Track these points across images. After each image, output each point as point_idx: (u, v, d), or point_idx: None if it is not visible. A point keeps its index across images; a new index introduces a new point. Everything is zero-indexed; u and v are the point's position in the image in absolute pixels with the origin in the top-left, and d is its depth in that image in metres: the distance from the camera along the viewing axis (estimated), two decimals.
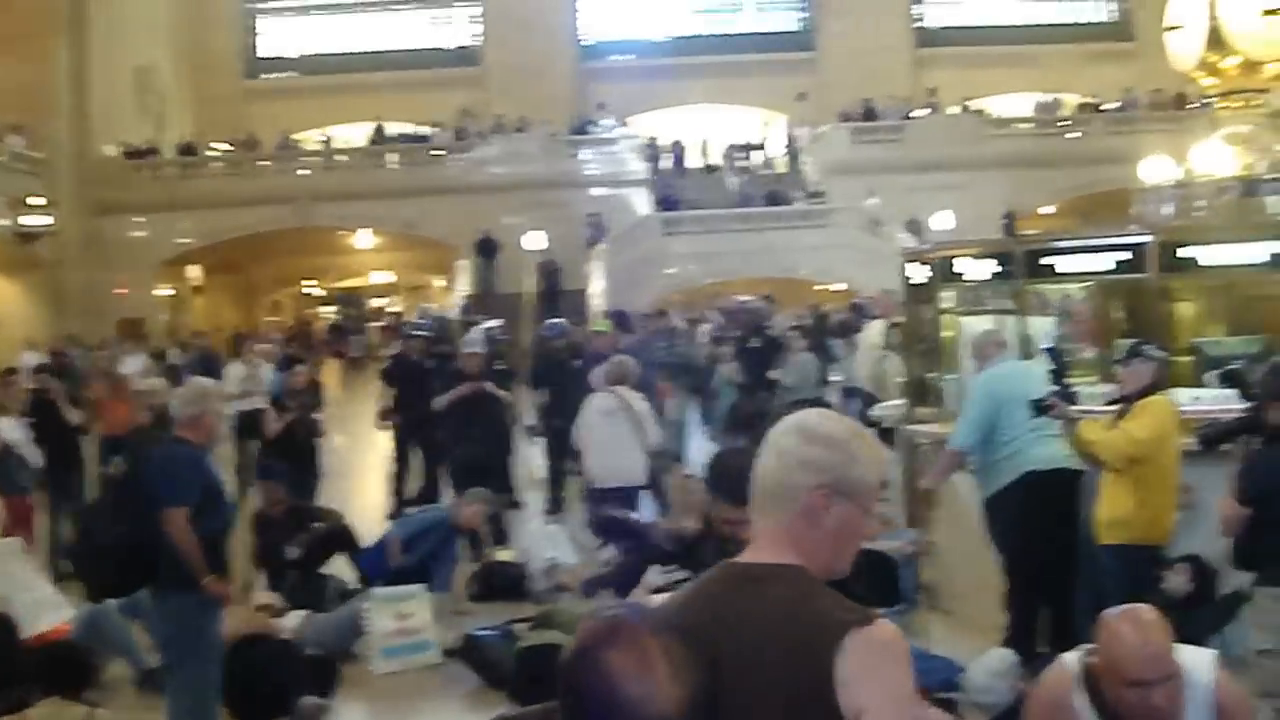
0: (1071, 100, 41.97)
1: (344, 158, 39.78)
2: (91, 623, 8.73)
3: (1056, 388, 7.97)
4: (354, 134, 42.12)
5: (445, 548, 10.42)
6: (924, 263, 10.57)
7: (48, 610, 9.25)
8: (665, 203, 36.81)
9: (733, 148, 41.24)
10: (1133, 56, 42.96)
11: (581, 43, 45.60)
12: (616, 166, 38.15)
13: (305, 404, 13.80)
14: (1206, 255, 9.00)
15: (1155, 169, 11.18)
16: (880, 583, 9.00)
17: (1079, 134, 39.11)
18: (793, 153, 40.69)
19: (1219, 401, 8.43)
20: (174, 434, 7.19)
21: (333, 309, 46.33)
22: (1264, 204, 10.09)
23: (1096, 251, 9.49)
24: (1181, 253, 9.05)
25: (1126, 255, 9.18)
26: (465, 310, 30.41)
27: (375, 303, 45.59)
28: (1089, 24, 46.09)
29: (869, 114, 39.42)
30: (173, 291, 38.87)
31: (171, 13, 42.46)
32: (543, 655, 7.97)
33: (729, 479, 4.36)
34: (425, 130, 41.04)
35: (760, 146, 41.98)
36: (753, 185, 38.16)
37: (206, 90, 43.45)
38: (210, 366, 17.99)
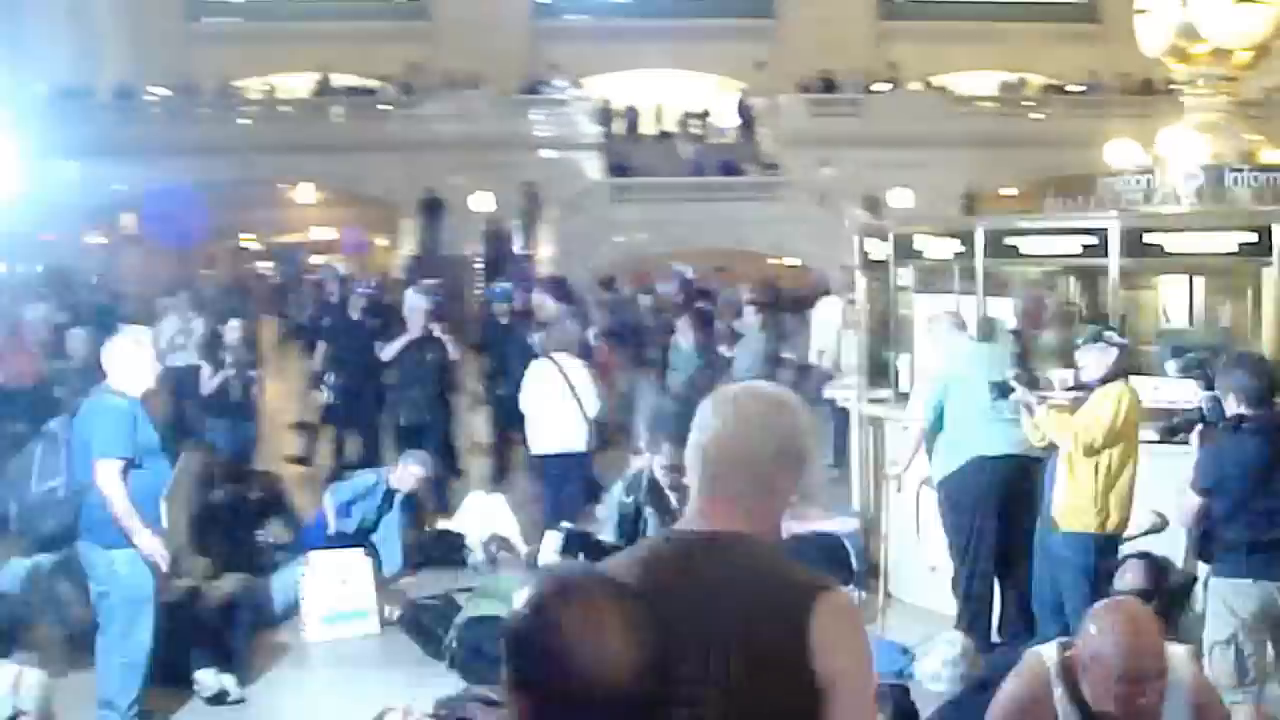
0: (1035, 81, 42.18)
1: (287, 108, 39.39)
2: (19, 579, 8.59)
3: (1018, 371, 8.01)
4: (298, 84, 41.62)
5: (385, 512, 10.38)
6: (883, 239, 10.57)
7: None
8: (617, 168, 36.73)
9: (688, 115, 41.14)
10: (1099, 38, 43.00)
11: (537, 0, 45.30)
12: (568, 129, 37.94)
13: (241, 360, 13.65)
14: (1172, 242, 9.06)
15: (1121, 153, 11.19)
16: (831, 564, 9.04)
17: (1042, 115, 39.25)
18: (748, 122, 40.62)
19: (1180, 392, 8.48)
20: (105, 384, 7.06)
21: (270, 264, 45.82)
22: (1231, 192, 10.15)
23: (1060, 234, 9.55)
24: (1147, 239, 9.11)
25: (1091, 239, 9.22)
26: (409, 271, 30.18)
27: (314, 259, 45.13)
28: (1056, 3, 45.95)
29: (828, 86, 39.44)
30: (105, 240, 38.32)
31: None
32: (485, 626, 8.00)
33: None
34: (373, 84, 40.71)
35: (711, 115, 41.89)
36: (706, 154, 38.12)
37: (145, 32, 42.40)
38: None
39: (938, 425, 8.54)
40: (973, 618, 8.48)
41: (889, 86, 39.87)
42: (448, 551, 10.83)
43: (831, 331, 14.71)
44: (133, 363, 7.02)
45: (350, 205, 41.00)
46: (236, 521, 10.51)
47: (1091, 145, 36.43)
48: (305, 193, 40.23)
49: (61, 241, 35.51)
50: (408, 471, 10.68)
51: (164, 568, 7.06)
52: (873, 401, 10.61)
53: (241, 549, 10.29)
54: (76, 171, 36.28)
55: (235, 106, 39.37)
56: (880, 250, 10.62)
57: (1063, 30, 43.96)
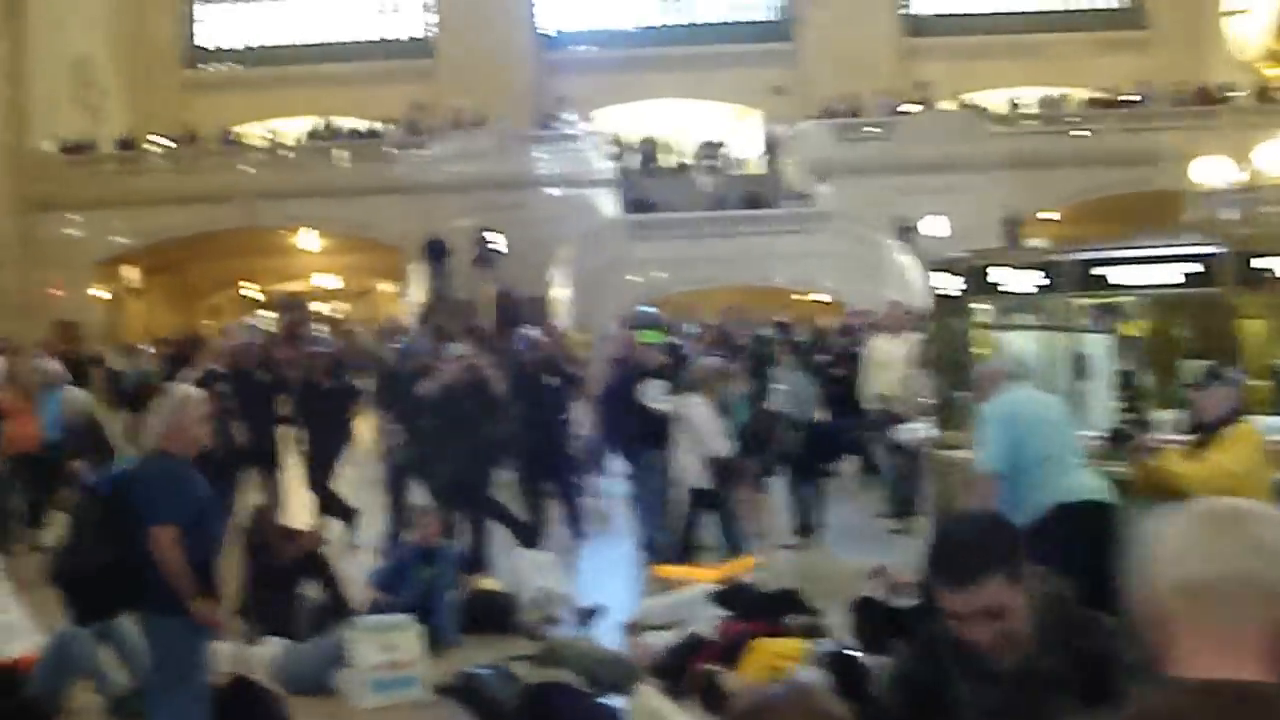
0: (1078, 95, 41.17)
1: (289, 154, 39.13)
2: (61, 648, 8.34)
3: (1131, 415, 7.44)
4: (300, 129, 41.38)
5: (438, 576, 9.95)
6: (956, 272, 9.96)
7: (18, 636, 9.04)
8: (633, 204, 36.20)
9: (705, 145, 40.63)
10: (1146, 45, 42.24)
11: (541, 33, 44.84)
12: (579, 165, 37.29)
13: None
14: None
15: (1211, 170, 10.56)
16: None
17: (1088, 132, 38.32)
18: (771, 152, 40.09)
19: None
20: (156, 447, 6.84)
21: (272, 313, 45.47)
22: None
23: (1155, 263, 8.93)
24: (1256, 264, 8.48)
25: (1193, 267, 8.61)
26: (423, 318, 29.61)
27: (318, 307, 44.74)
28: (1096, 10, 44.65)
29: (854, 110, 38.83)
30: (109, 294, 38.22)
31: (108, 1, 41.65)
32: (549, 694, 7.77)
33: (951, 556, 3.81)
34: (376, 126, 40.43)
35: (729, 145, 41.42)
36: (727, 186, 37.59)
37: (145, 82, 42.66)
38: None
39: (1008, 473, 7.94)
40: None
41: (919, 107, 39.18)
42: (495, 613, 10.34)
43: (896, 371, 14.13)
44: (180, 421, 6.74)
45: (356, 251, 40.60)
46: (277, 582, 10.12)
47: (1146, 161, 36.10)
48: (309, 239, 39.84)
49: (68, 295, 35.75)
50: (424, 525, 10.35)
51: (222, 636, 7.17)
52: (946, 447, 10.00)
53: (282, 611, 9.98)
54: (80, 225, 36.76)
55: (237, 154, 39.13)
56: (953, 284, 10.02)
57: (1104, 39, 42.93)
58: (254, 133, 41.76)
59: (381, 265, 40.38)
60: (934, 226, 34.68)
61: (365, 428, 15.82)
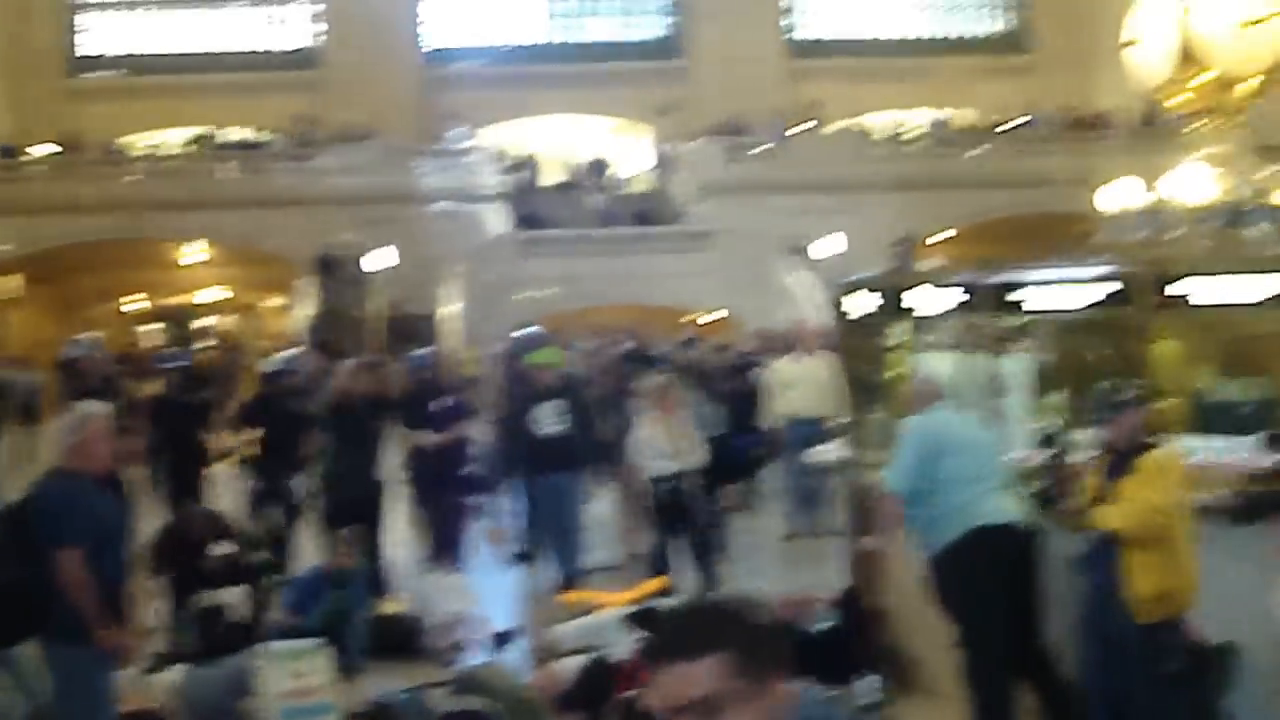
0: (966, 118, 41.77)
1: (175, 165, 38.38)
2: None
3: (1049, 437, 7.42)
4: (185, 139, 40.55)
5: (349, 598, 9.63)
6: (870, 292, 9.90)
7: None
8: (523, 221, 35.96)
9: (594, 163, 40.52)
10: (1031, 71, 43.04)
11: (428, 48, 44.47)
12: (469, 181, 37.10)
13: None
14: (1204, 290, 8.44)
15: (1121, 193, 10.65)
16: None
17: (979, 152, 38.87)
18: (660, 170, 40.09)
19: (1224, 453, 7.90)
20: (58, 465, 6.55)
21: (157, 327, 44.57)
22: (1248, 235, 9.63)
23: (1071, 284, 8.91)
24: (1169, 286, 8.48)
25: (1108, 289, 8.60)
26: (312, 333, 29.10)
27: (203, 321, 43.91)
28: (982, 36, 45.57)
29: (742, 129, 38.97)
30: None
31: None
32: None
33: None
34: (262, 138, 39.81)
35: (618, 163, 41.39)
36: (617, 205, 37.49)
37: (26, 89, 41.63)
38: None
39: (926, 498, 7.85)
40: (989, 712, 7.75)
41: (809, 128, 39.43)
42: (400, 638, 10.04)
43: (801, 391, 14.10)
44: (84, 439, 6.46)
45: (245, 264, 39.87)
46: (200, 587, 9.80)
47: (1034, 185, 36.67)
48: (196, 252, 39.12)
49: None
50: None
51: (131, 664, 6.94)
52: (860, 468, 9.95)
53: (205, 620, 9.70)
54: None
55: (122, 163, 38.42)
56: (863, 305, 9.95)
57: (992, 64, 43.70)
58: (139, 142, 40.94)
59: (271, 278, 39.70)
60: (826, 247, 34.87)
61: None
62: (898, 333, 9.73)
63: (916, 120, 41.46)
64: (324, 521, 12.37)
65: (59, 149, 38.40)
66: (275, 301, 41.90)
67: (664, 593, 10.92)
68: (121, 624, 6.45)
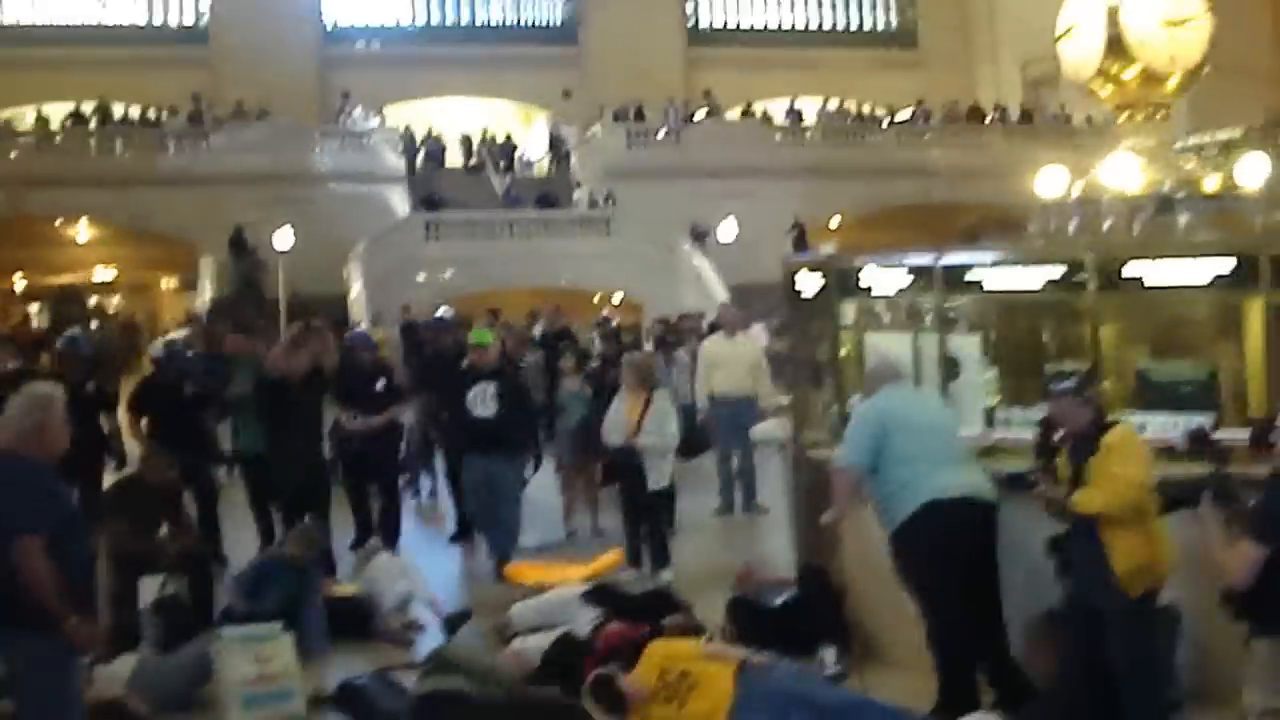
0: (857, 108, 42.64)
1: (60, 140, 37.41)
2: None
3: (1040, 462, 7.60)
4: (71, 113, 39.33)
5: (298, 587, 9.49)
6: (819, 272, 10.11)
7: None
8: (425, 202, 35.82)
9: (496, 145, 40.47)
10: (917, 65, 44.00)
11: (327, 26, 44.04)
12: (371, 161, 36.96)
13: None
14: (1151, 274, 8.76)
15: (1051, 182, 10.96)
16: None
17: (873, 142, 39.61)
18: (560, 153, 40.20)
19: (1165, 429, 8.20)
20: (12, 449, 6.10)
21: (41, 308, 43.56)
22: (1179, 222, 10.00)
23: (1020, 265, 9.20)
24: (1114, 271, 8.80)
25: (1055, 272, 8.90)
26: (223, 312, 28.71)
27: (94, 301, 42.96)
28: (870, 31, 46.62)
29: (639, 115, 39.24)
30: None
31: None
32: (444, 702, 7.39)
33: None
34: (154, 115, 39.14)
35: (520, 146, 41.38)
36: (521, 187, 37.51)
37: None
38: None
39: (881, 475, 8.05)
40: (956, 685, 7.98)
41: (705, 114, 39.81)
42: (354, 620, 9.94)
43: (730, 371, 14.33)
44: (39, 421, 6.14)
45: (135, 243, 39.05)
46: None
47: (923, 175, 37.51)
48: (85, 230, 38.29)
49: None
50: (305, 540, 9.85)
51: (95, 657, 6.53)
52: (808, 446, 10.13)
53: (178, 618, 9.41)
54: None
55: (4, 138, 37.16)
56: (813, 285, 10.15)
57: (881, 57, 44.79)
58: (20, 116, 39.59)
59: (163, 259, 39.03)
60: (726, 231, 35.29)
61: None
62: (848, 312, 9.93)
63: (810, 109, 42.07)
64: (257, 504, 12.20)
65: None
66: (169, 282, 41.31)
67: (610, 568, 11.08)
68: (85, 613, 6.07)
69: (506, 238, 34.14)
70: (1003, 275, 9.16)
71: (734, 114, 40.84)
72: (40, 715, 6.09)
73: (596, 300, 32.87)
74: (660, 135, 38.43)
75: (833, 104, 42.15)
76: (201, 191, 34.69)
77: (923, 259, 9.38)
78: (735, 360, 14.55)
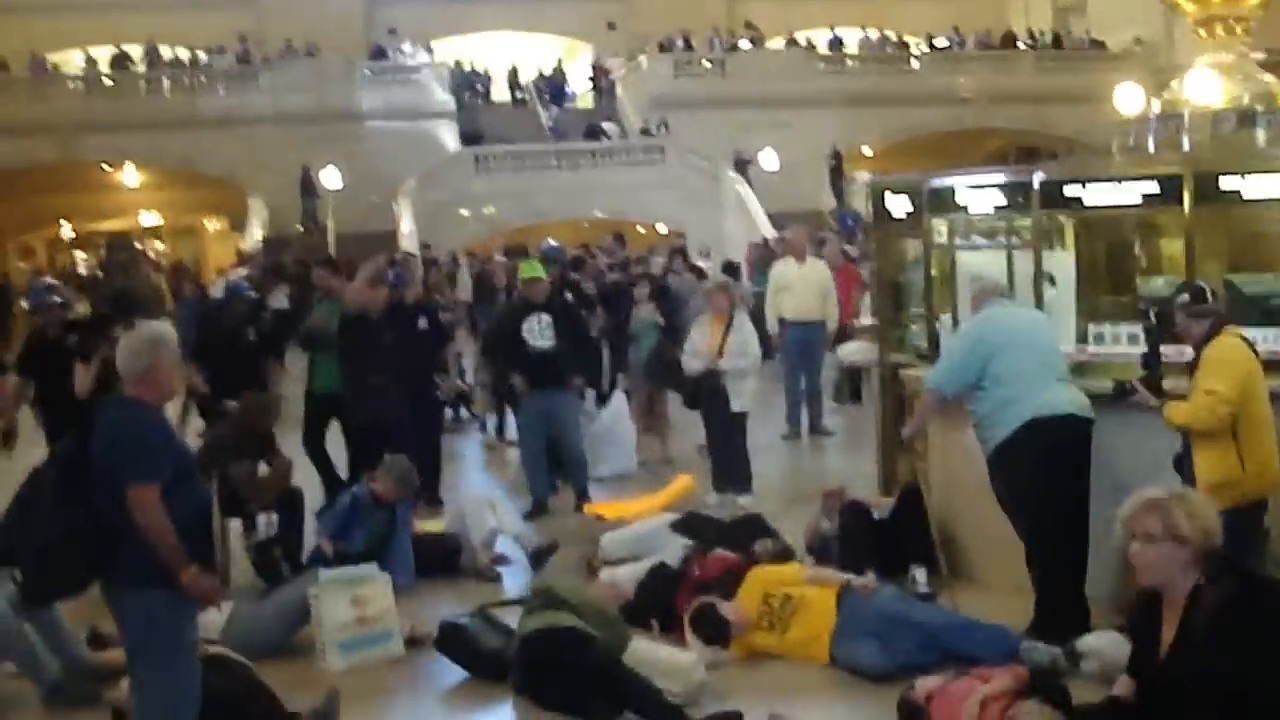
0: (894, 36, 42.17)
1: (109, 83, 37.16)
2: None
3: (1144, 371, 7.40)
4: (120, 55, 39.17)
5: (388, 525, 9.29)
6: (908, 193, 9.86)
7: None
8: (472, 137, 35.54)
9: (541, 79, 40.13)
10: None
11: None
12: (419, 97, 36.61)
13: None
14: (1248, 188, 8.51)
15: (1129, 100, 10.67)
16: None
17: (908, 71, 39.16)
18: (605, 85, 39.84)
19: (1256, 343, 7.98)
20: (124, 393, 5.75)
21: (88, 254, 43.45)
22: (1259, 136, 9.72)
23: (1118, 181, 8.94)
24: (1214, 185, 8.53)
25: (1148, 188, 8.65)
26: (269, 253, 28.54)
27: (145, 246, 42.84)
28: None
29: (687, 44, 38.88)
30: None
31: None
32: (553, 640, 7.12)
33: None
34: (201, 55, 38.85)
35: (566, 79, 41.01)
36: (567, 120, 37.18)
37: None
38: None
39: (982, 395, 7.87)
40: (1058, 601, 7.80)
41: (749, 44, 39.41)
42: (442, 558, 9.74)
43: (800, 295, 14.15)
44: (150, 364, 5.88)
45: (180, 186, 38.91)
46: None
47: (963, 100, 37.13)
48: (131, 175, 38.11)
49: None
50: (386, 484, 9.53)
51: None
52: (896, 367, 9.97)
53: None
54: None
55: (53, 83, 37.07)
56: (902, 205, 9.91)
57: None
58: (68, 60, 39.46)
59: (210, 201, 38.87)
60: (767, 160, 35.02)
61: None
62: (941, 231, 9.68)
63: (850, 38, 41.61)
64: (315, 445, 11.82)
65: None
66: (214, 224, 41.15)
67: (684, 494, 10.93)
68: (203, 563, 5.71)
69: (554, 170, 33.82)
70: (1099, 192, 8.91)
71: (776, 43, 40.30)
72: (157, 672, 5.75)
73: (643, 231, 32.67)
74: (705, 65, 37.88)
75: (874, 32, 41.61)
76: (250, 132, 34.58)
77: (1019, 176, 9.15)
78: (804, 284, 14.36)
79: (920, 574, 8.48)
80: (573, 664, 7.01)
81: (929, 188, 9.55)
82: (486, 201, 33.16)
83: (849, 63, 39.72)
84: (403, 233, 30.72)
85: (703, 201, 32.69)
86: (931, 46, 40.47)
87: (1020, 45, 40.63)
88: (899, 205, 9.93)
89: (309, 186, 32.97)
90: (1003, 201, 9.18)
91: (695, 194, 33.00)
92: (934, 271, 9.64)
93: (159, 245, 43.32)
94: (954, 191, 9.40)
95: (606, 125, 36.41)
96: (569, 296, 13.70)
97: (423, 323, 12.14)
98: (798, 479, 12.32)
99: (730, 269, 19.25)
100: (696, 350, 11.25)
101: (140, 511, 5.44)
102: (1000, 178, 9.30)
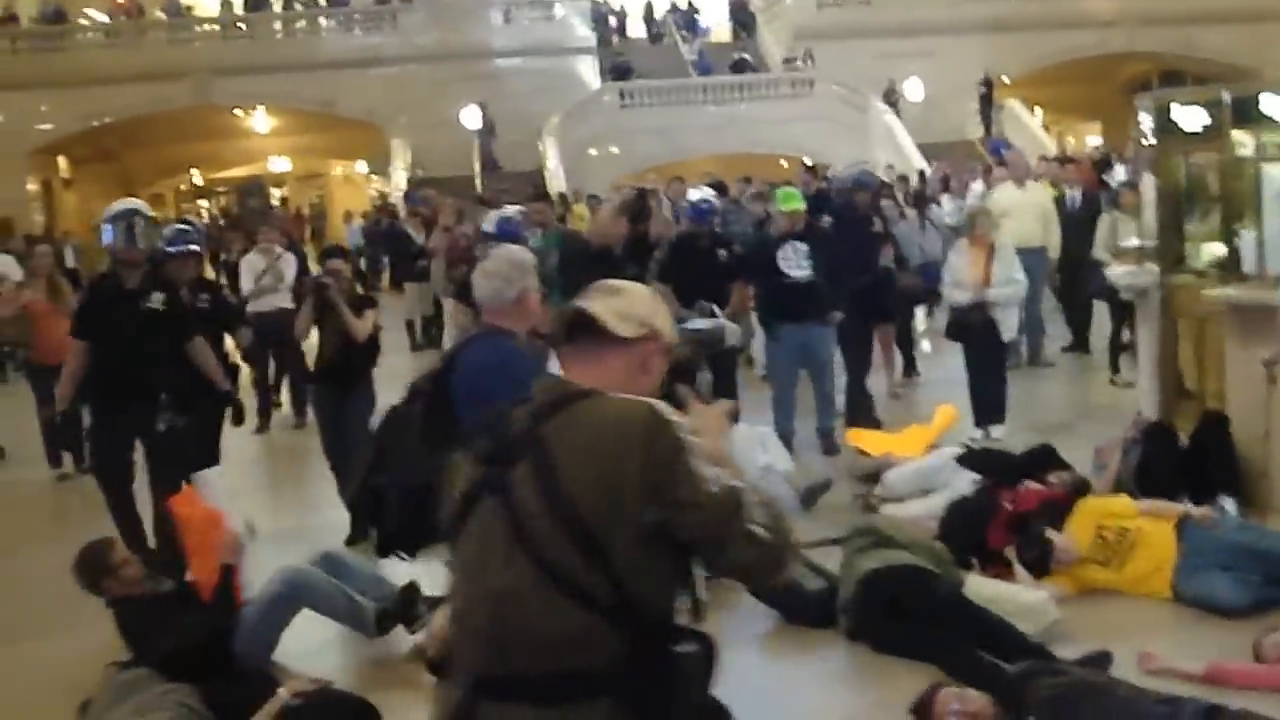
0: None
1: (245, 26, 36.81)
2: (295, 586, 6.75)
3: None
4: None
5: None
6: (1205, 104, 9.27)
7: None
8: (614, 73, 35.02)
9: (675, 11, 39.50)
10: None
11: None
12: (560, 33, 36.07)
13: None
14: None
15: None
16: None
17: None
18: (744, 18, 39.14)
19: None
20: (488, 324, 5.40)
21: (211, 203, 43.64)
22: None
23: None
24: None
25: None
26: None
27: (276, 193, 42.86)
28: None
29: None
30: (37, 186, 35.50)
31: None
32: (898, 579, 6.65)
33: None
34: None
35: (703, 13, 40.34)
36: (710, 54, 36.57)
37: None
38: None
39: None
40: None
41: None
42: None
43: (1032, 218, 13.60)
44: (519, 291, 5.45)
45: (316, 131, 38.67)
46: None
47: (1108, 23, 35.95)
48: (262, 120, 37.91)
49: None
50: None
51: None
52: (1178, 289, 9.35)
53: None
54: (2, 109, 33.36)
55: (186, 26, 36.71)
56: (1196, 119, 9.32)
57: None
58: (204, 3, 39.20)
59: (345, 145, 38.60)
60: (912, 90, 34.28)
61: None
62: (1244, 144, 9.09)
63: None
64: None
65: (112, 14, 36.60)
66: (346, 169, 40.89)
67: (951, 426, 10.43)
68: None
69: (699, 105, 33.24)
70: None
71: None
72: None
73: (785, 165, 32.04)
74: None
75: None
76: (388, 72, 34.22)
77: None
78: (1026, 208, 13.73)
79: (1230, 504, 7.98)
80: (920, 604, 6.55)
81: (1234, 97, 8.99)
82: (633, 138, 32.65)
83: None
84: (549, 170, 30.27)
85: (851, 134, 31.96)
86: None
87: None
88: (1191, 118, 9.36)
89: (489, 127, 32.32)
90: None
91: (843, 127, 32.29)
92: (1236, 184, 9.08)
93: (279, 191, 43.15)
94: (1258, 102, 8.85)
95: (750, 59, 35.76)
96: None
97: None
98: (1033, 410, 11.74)
99: (920, 199, 18.49)
100: (960, 280, 10.70)
101: None
102: None
